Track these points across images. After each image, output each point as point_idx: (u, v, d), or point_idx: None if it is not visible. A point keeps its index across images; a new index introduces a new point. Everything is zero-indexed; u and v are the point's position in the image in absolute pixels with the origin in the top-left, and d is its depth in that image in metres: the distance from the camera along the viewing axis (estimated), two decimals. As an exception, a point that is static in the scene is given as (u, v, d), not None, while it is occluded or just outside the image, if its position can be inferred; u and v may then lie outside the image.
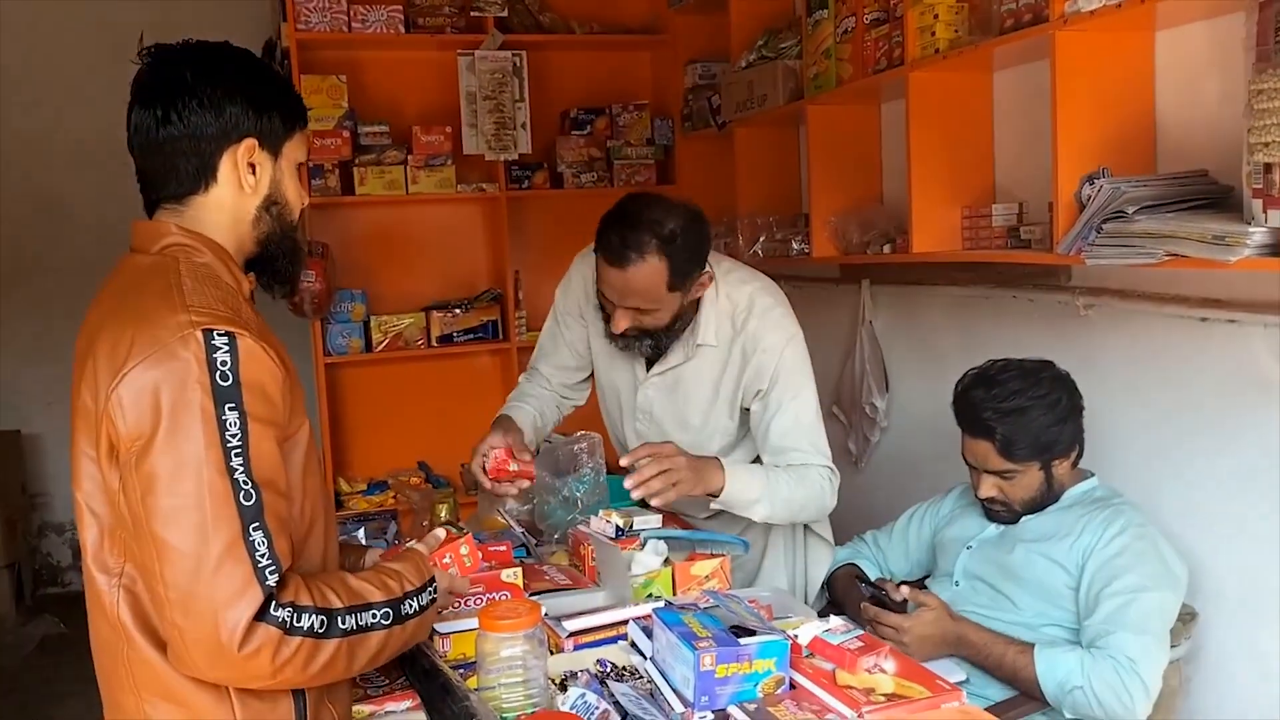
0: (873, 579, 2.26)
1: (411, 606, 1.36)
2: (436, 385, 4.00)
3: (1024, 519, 2.10)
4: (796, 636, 1.43)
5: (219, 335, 1.20)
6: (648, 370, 2.21)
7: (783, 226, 3.40)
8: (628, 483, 1.90)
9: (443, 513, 2.34)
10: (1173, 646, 1.99)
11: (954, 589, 2.14)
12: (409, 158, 3.76)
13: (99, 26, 4.61)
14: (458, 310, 3.90)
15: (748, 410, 2.18)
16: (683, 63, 3.97)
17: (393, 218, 3.99)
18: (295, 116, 1.40)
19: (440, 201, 3.94)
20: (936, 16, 2.48)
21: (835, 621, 1.45)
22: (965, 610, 2.07)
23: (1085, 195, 2.08)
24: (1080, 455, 2.11)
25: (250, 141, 1.34)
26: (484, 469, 2.05)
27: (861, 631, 1.43)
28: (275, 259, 1.42)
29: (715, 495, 2.00)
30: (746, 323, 2.13)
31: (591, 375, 2.40)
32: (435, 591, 1.42)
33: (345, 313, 3.77)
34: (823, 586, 2.37)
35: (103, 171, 4.64)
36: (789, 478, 2.07)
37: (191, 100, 1.31)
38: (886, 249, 2.88)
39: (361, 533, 2.10)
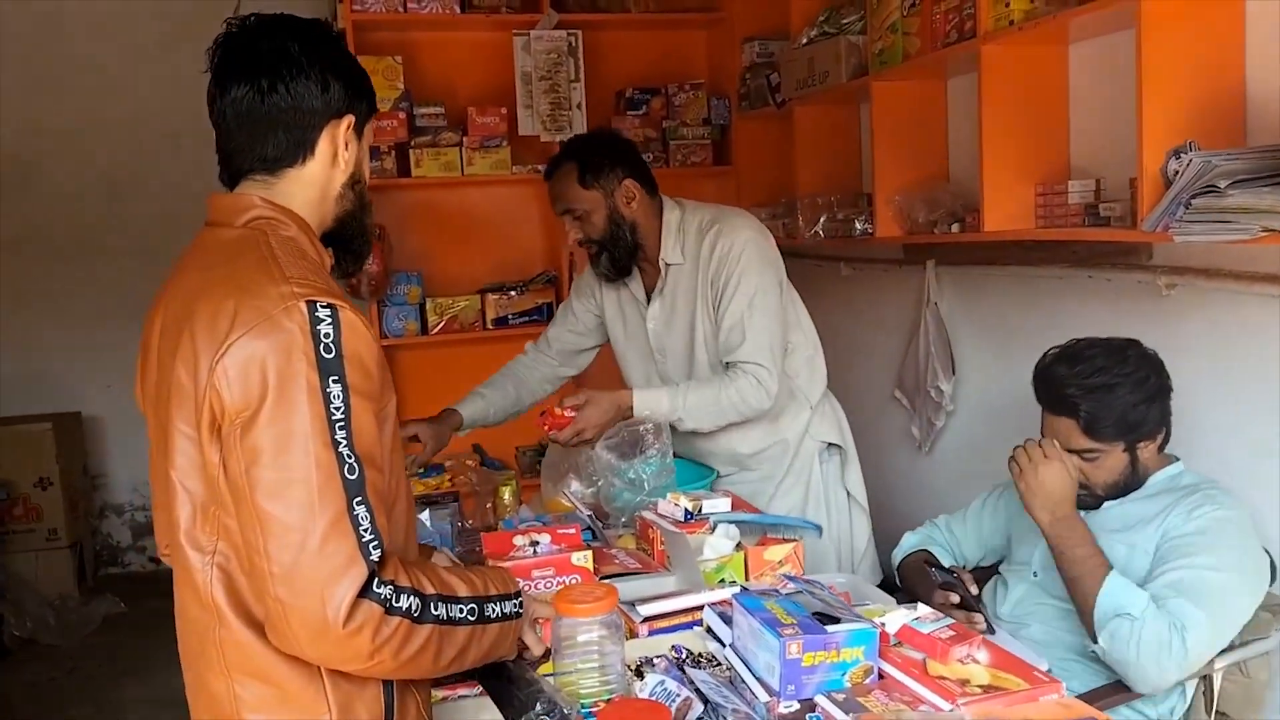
0: (946, 566, 2.19)
1: (495, 610, 1.35)
2: (492, 367, 3.91)
3: (1106, 505, 2.01)
4: (884, 624, 1.38)
5: (322, 307, 1.19)
6: (648, 305, 2.44)
7: (844, 206, 3.33)
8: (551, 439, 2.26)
9: (505, 495, 2.31)
10: (1261, 639, 1.92)
11: (1032, 580, 2.07)
12: (464, 139, 3.73)
13: (158, 14, 4.64)
14: (513, 293, 3.88)
15: None
16: (739, 41, 3.90)
17: (448, 200, 3.97)
18: (374, 98, 1.43)
19: (495, 183, 3.92)
20: (1012, -13, 2.40)
21: (924, 610, 1.40)
22: (1044, 603, 2.01)
23: (1172, 170, 2.00)
24: (1167, 439, 2.02)
25: (350, 118, 1.36)
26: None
27: (951, 621, 1.38)
28: (352, 237, 1.42)
29: (628, 416, 2.22)
30: (712, 229, 2.34)
31: (593, 350, 2.69)
32: (520, 604, 1.40)
33: (401, 295, 3.76)
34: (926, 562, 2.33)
35: (160, 155, 4.70)
36: (706, 390, 2.27)
37: (300, 74, 1.31)
38: (955, 228, 2.81)
39: (426, 514, 2.08)
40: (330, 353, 1.18)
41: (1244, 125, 2.10)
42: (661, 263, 2.38)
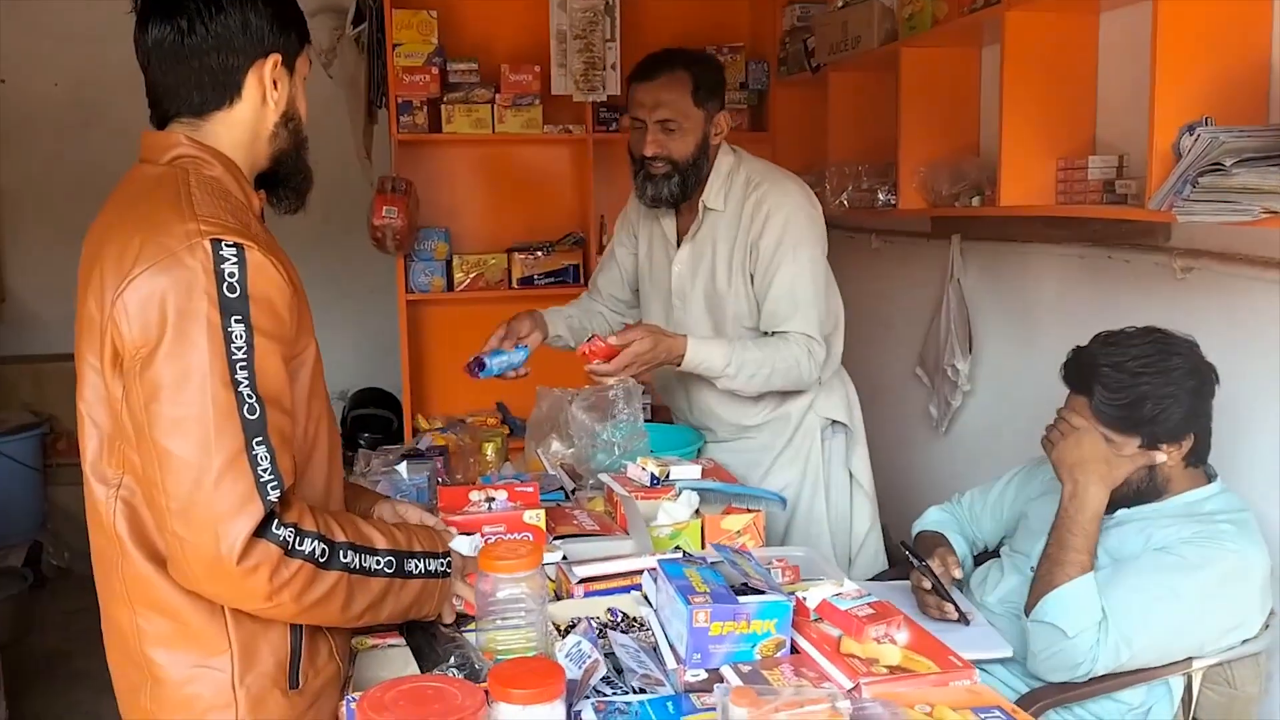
0: (955, 548, 2.12)
1: (417, 566, 1.35)
2: (517, 327, 3.98)
3: (1118, 513, 1.87)
4: (805, 598, 1.35)
5: (227, 246, 1.19)
6: (677, 248, 2.35)
7: (871, 176, 3.25)
8: (591, 373, 2.08)
9: (489, 452, 2.31)
10: (1249, 640, 1.83)
11: (1028, 574, 1.97)
12: (496, 96, 3.72)
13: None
14: (540, 253, 3.87)
15: None
16: (782, 4, 3.81)
17: (479, 157, 3.97)
18: (304, 31, 1.40)
19: (526, 142, 3.90)
20: (1038, -50, 2.30)
21: (849, 586, 1.36)
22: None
23: (1184, 146, 1.90)
24: (1199, 452, 1.85)
25: (276, 56, 1.34)
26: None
27: (876, 599, 1.34)
28: (289, 175, 1.42)
29: (677, 364, 2.12)
30: (759, 187, 2.25)
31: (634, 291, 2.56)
32: (448, 566, 1.40)
33: (428, 251, 3.78)
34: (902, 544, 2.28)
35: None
36: (759, 351, 2.17)
37: (219, 12, 1.29)
38: (976, 201, 2.72)
39: (404, 467, 2.09)
40: (234, 292, 1.18)
41: (1267, 103, 1.98)
42: (701, 205, 2.29)
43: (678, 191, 2.25)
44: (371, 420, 4.48)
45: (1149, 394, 1.79)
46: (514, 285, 3.86)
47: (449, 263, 3.81)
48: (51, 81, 4.86)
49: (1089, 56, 2.48)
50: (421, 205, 3.73)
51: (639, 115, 2.24)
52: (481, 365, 2.16)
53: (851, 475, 2.42)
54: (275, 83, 1.34)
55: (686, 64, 2.23)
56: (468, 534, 1.65)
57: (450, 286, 3.82)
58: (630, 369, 2.05)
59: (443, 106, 3.69)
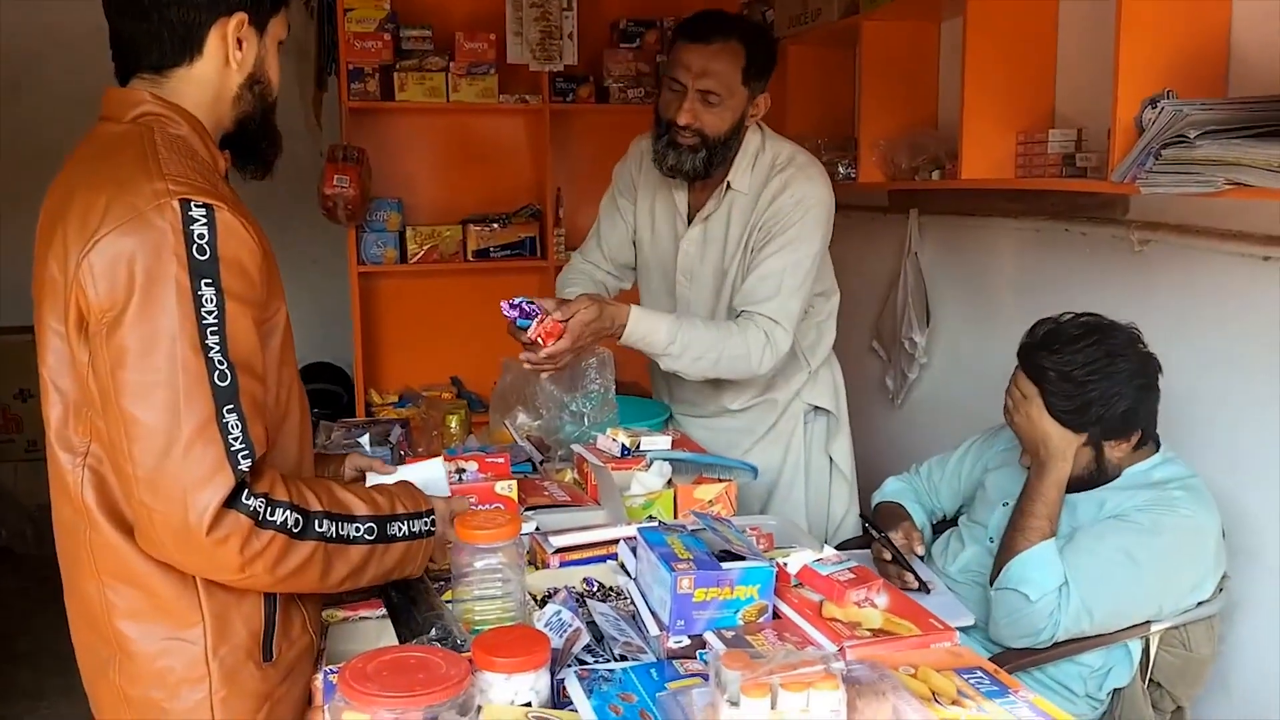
0: (915, 520, 2.13)
1: (400, 529, 1.33)
2: (471, 300, 3.93)
3: (1069, 496, 1.89)
4: (785, 564, 1.35)
5: (196, 206, 1.15)
6: (688, 226, 2.23)
7: (831, 149, 3.25)
8: (522, 363, 1.93)
9: (453, 424, 2.28)
10: (1204, 602, 1.88)
11: (987, 544, 2.00)
12: (451, 65, 3.66)
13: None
14: (495, 225, 3.83)
15: None
16: (740, -25, 3.80)
17: (432, 126, 3.90)
18: None
19: (481, 111, 3.84)
20: (1002, -76, 2.31)
21: (828, 552, 1.37)
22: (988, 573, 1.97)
23: (1146, 119, 1.92)
24: (1145, 441, 1.89)
25: (241, 16, 1.28)
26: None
27: (855, 564, 1.35)
28: (255, 140, 1.37)
29: (618, 336, 1.98)
30: (784, 171, 2.14)
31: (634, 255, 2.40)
32: (432, 523, 1.37)
33: (380, 221, 3.71)
34: (861, 516, 2.29)
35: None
36: (710, 334, 2.03)
37: None
38: (935, 175, 2.74)
39: (366, 439, 2.05)
40: (204, 254, 1.14)
41: (1226, 77, 2.02)
42: (725, 185, 2.16)
43: (701, 168, 2.11)
44: (321, 396, 4.40)
45: (1095, 399, 1.82)
46: (469, 258, 3.81)
47: (402, 234, 3.75)
48: (-18, 43, 4.68)
49: (1049, 31, 2.50)
50: (374, 175, 3.65)
51: (679, 78, 2.06)
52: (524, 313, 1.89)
53: (831, 460, 2.39)
54: (241, 42, 1.30)
55: (744, 36, 2.07)
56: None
57: (403, 258, 3.76)
58: (578, 342, 1.90)
59: (395, 74, 3.62)
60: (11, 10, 4.64)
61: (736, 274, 2.17)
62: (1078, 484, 1.90)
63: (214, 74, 1.29)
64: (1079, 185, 2.17)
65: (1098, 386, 1.81)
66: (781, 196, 2.10)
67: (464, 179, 3.94)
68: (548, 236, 3.86)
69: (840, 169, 3.15)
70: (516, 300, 1.87)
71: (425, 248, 3.77)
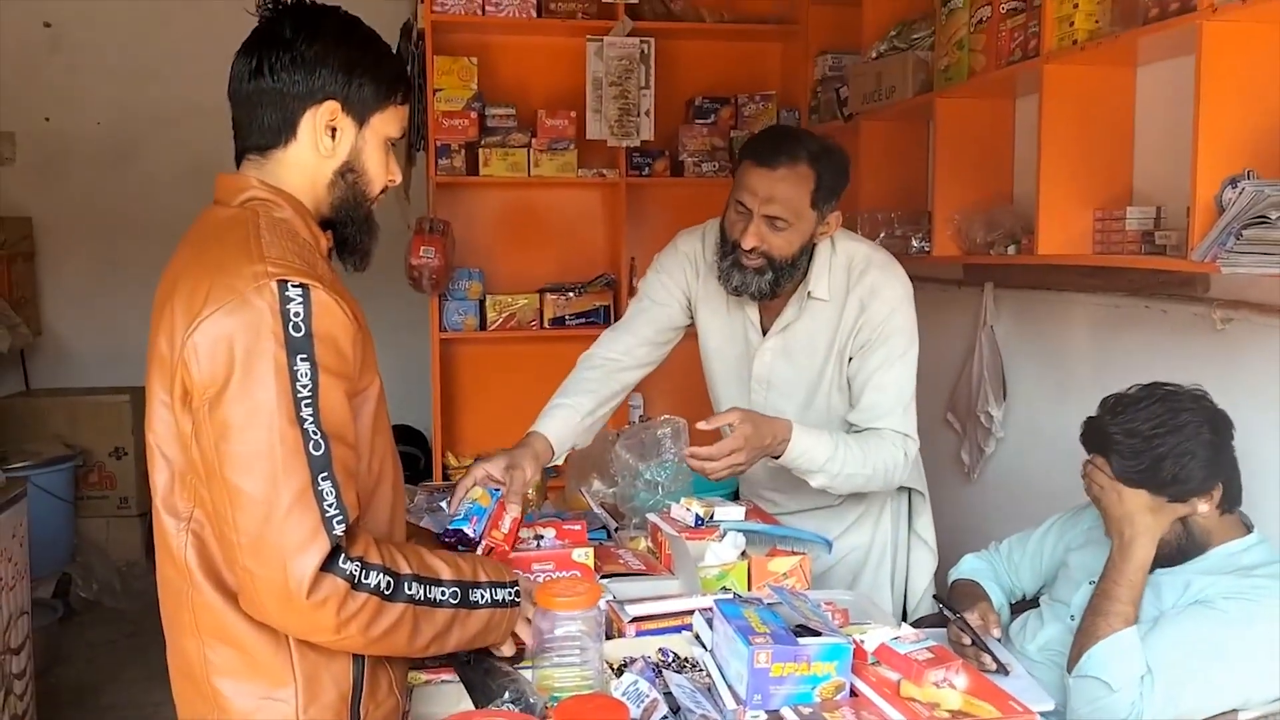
0: (993, 600, 2.10)
1: (483, 596, 1.37)
2: (547, 366, 3.94)
3: (1158, 573, 1.85)
4: (863, 641, 1.36)
5: (293, 286, 1.22)
6: (763, 336, 2.19)
7: (904, 223, 3.28)
8: (690, 460, 1.90)
9: (531, 490, 2.33)
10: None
11: (1068, 623, 1.96)
12: (533, 141, 3.79)
13: (254, 6, 4.81)
14: (571, 294, 3.92)
15: None
16: (813, 54, 3.87)
17: (514, 199, 4.04)
18: (390, 89, 1.39)
19: (561, 185, 3.96)
20: (1076, 6, 2.34)
21: (905, 630, 1.37)
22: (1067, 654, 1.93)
23: (1226, 199, 1.93)
24: (1230, 497, 1.84)
25: (332, 104, 1.35)
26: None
27: (934, 643, 1.35)
28: (346, 227, 1.42)
29: (778, 454, 1.95)
30: (865, 275, 2.10)
31: (678, 337, 2.33)
32: (516, 594, 1.41)
33: (462, 290, 3.83)
34: (936, 598, 2.26)
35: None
36: (861, 451, 2.01)
37: (285, 55, 1.32)
38: (1011, 250, 2.74)
39: (446, 502, 2.10)
40: (299, 331, 1.20)
41: (1308, 156, 2.01)
42: (804, 295, 2.12)
43: (768, 289, 2.06)
44: (400, 458, 4.50)
45: (1166, 454, 1.78)
46: (545, 325, 3.90)
47: (482, 302, 3.85)
48: (94, 120, 4.98)
49: (1126, 109, 2.51)
50: (457, 246, 3.78)
51: (745, 201, 2.02)
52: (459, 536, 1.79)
53: (916, 533, 2.36)
54: (334, 131, 1.36)
55: (812, 158, 2.00)
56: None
57: (483, 326, 3.86)
58: (737, 455, 1.88)
59: (480, 150, 3.76)
60: (122, 86, 4.94)
61: (831, 384, 2.15)
62: (1166, 557, 1.85)
63: (307, 158, 1.36)
64: (1158, 263, 2.17)
65: (1165, 441, 1.78)
66: (873, 305, 2.08)
67: (542, 250, 4.05)
68: (621, 304, 3.93)
69: (914, 242, 3.17)
70: (457, 520, 1.78)
71: (504, 315, 3.87)
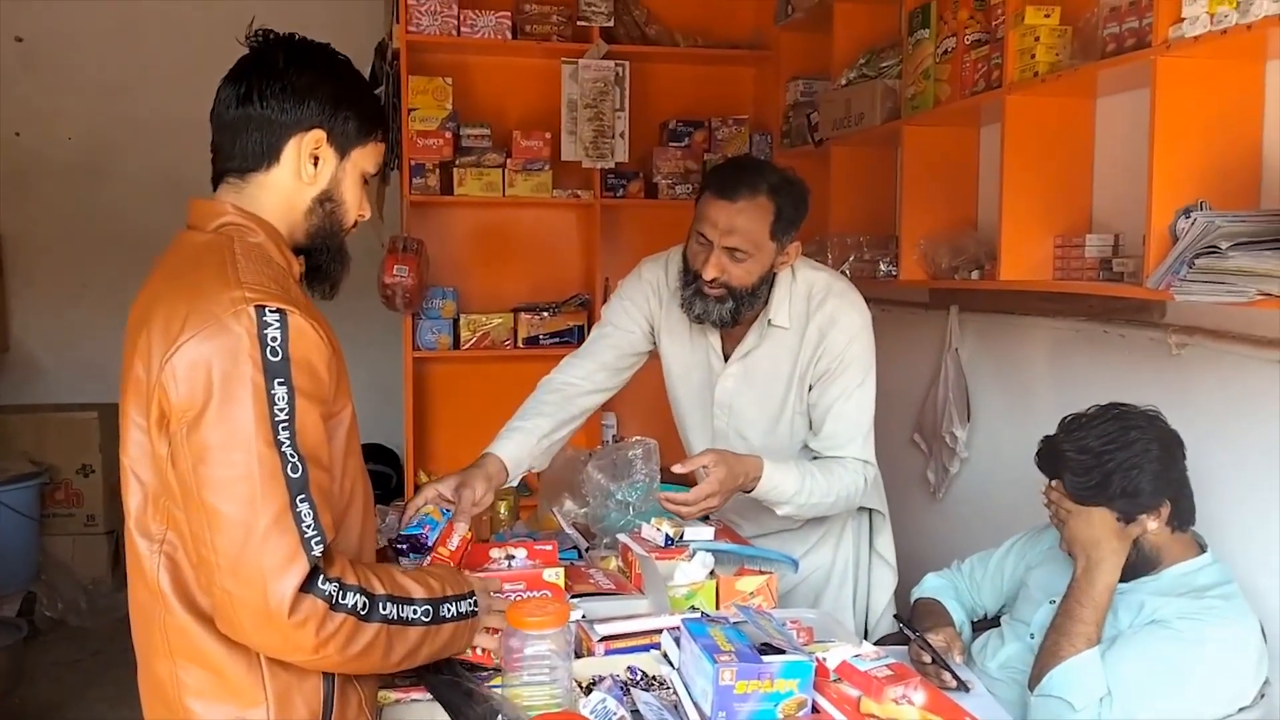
0: (955, 618, 2.15)
1: (450, 610, 1.40)
2: (520, 385, 3.91)
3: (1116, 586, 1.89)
4: (825, 659, 1.39)
5: (270, 312, 1.24)
6: (725, 362, 2.24)
7: (873, 247, 3.34)
8: (665, 504, 1.97)
9: (501, 510, 2.36)
10: (1245, 709, 1.87)
11: (1028, 641, 2.00)
12: (508, 161, 3.82)
13: (227, 21, 4.79)
14: (545, 313, 3.94)
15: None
16: (785, 79, 3.93)
17: (488, 219, 4.06)
18: (371, 126, 1.44)
19: (535, 205, 3.99)
20: (1038, 39, 2.41)
21: (866, 647, 1.40)
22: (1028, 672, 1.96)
23: (1180, 228, 1.99)
24: (1179, 515, 1.89)
25: (318, 133, 1.39)
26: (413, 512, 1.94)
27: (894, 660, 1.38)
28: (320, 255, 1.45)
29: (749, 489, 2.03)
30: (824, 303, 2.17)
31: (639, 362, 2.38)
32: (475, 604, 1.44)
33: (436, 309, 3.84)
34: (896, 617, 2.30)
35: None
36: (825, 480, 2.09)
37: (275, 83, 1.36)
38: (975, 275, 2.80)
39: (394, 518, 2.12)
40: (276, 355, 1.23)
41: (1259, 188, 2.08)
42: (765, 323, 2.18)
43: (729, 317, 2.13)
44: (372, 477, 4.49)
45: (1114, 469, 1.84)
46: (519, 345, 3.92)
47: (456, 321, 3.87)
48: (65, 135, 4.95)
49: (1086, 139, 2.58)
50: (431, 265, 3.80)
51: (705, 233, 2.07)
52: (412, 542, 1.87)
53: (876, 551, 2.42)
54: (317, 160, 1.39)
55: (772, 190, 2.06)
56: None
57: (457, 345, 3.87)
58: (711, 500, 1.96)
59: (455, 169, 3.78)
60: (94, 101, 4.92)
61: (793, 410, 2.21)
62: (1124, 574, 1.89)
63: (288, 183, 1.40)
64: (1115, 290, 2.23)
65: (1114, 457, 1.84)
66: (831, 333, 2.14)
67: (516, 269, 4.08)
68: (606, 308, 3.95)
69: (882, 266, 3.23)
70: (410, 528, 1.86)
71: (478, 334, 3.89)
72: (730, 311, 2.12)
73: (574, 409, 2.27)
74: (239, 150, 1.38)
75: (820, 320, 2.15)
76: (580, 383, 2.29)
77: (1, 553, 4.00)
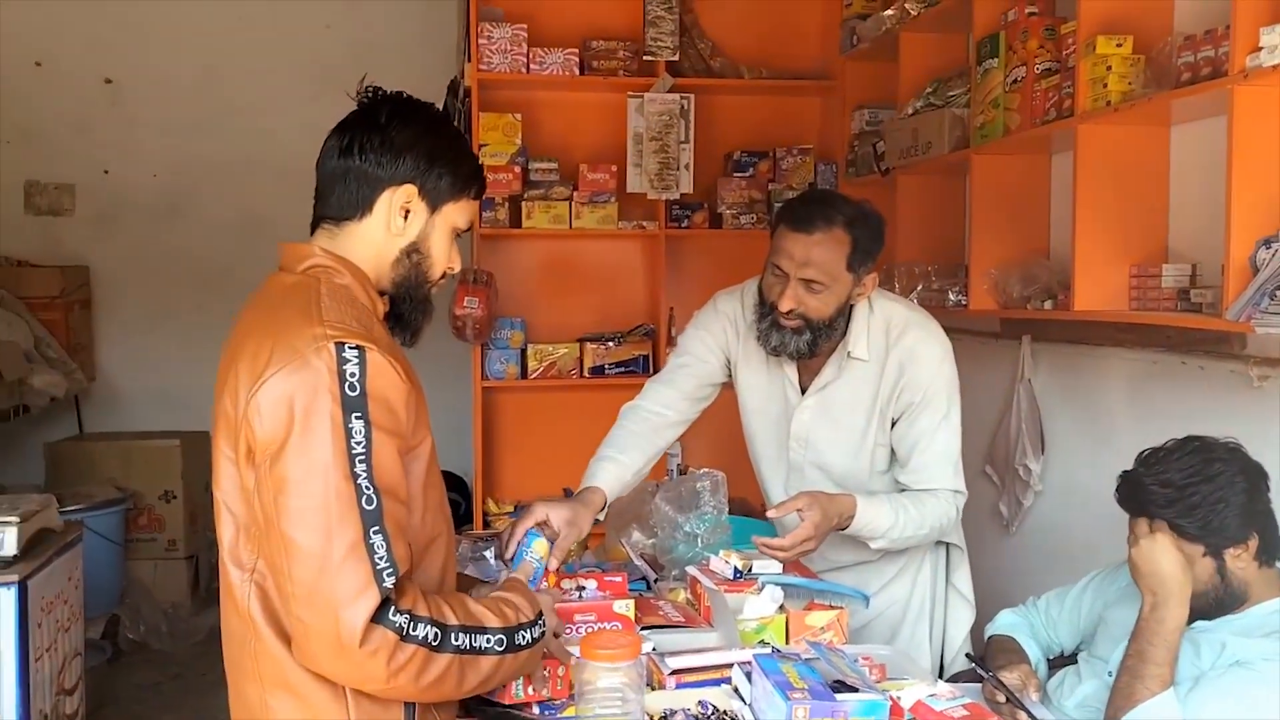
0: (1030, 656, 2.11)
1: (525, 638, 1.41)
2: (586, 415, 4.03)
3: (1198, 624, 1.85)
4: (899, 698, 1.38)
5: (349, 348, 1.28)
6: (801, 395, 2.24)
7: (941, 276, 3.32)
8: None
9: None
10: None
11: (1106, 679, 1.97)
12: (574, 194, 3.88)
13: (305, 64, 4.99)
14: (611, 343, 3.98)
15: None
16: (851, 108, 3.94)
17: (555, 251, 4.13)
18: (465, 184, 1.48)
19: (602, 237, 4.05)
20: (1110, 68, 2.39)
21: (941, 686, 1.39)
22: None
23: (1260, 259, 1.95)
24: (1267, 549, 1.83)
25: (410, 188, 1.44)
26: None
27: (970, 700, 1.37)
28: (403, 304, 1.49)
29: (844, 527, 2.03)
30: (903, 336, 2.16)
31: (715, 393, 2.37)
32: (544, 625, 1.46)
33: (505, 340, 3.91)
34: (969, 656, 2.26)
35: (296, 196, 4.98)
36: (918, 513, 2.10)
37: (376, 138, 1.42)
38: (1048, 305, 2.77)
39: (490, 552, 2.15)
40: (355, 390, 1.27)
41: (1342, 216, 2.03)
42: (844, 354, 2.18)
43: (806, 350, 2.12)
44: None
45: (1199, 503, 1.79)
46: (585, 374, 3.96)
47: (523, 351, 3.93)
48: (150, 172, 5.14)
49: (1160, 167, 2.55)
50: (499, 296, 3.86)
51: (781, 265, 2.08)
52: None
53: (954, 586, 2.39)
54: (407, 213, 1.44)
55: (848, 223, 2.06)
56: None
57: (524, 374, 3.93)
58: (808, 543, 1.96)
59: (523, 203, 3.86)
60: (177, 141, 5.11)
61: (875, 443, 2.20)
62: (1203, 609, 1.85)
63: (377, 234, 1.45)
64: (1194, 321, 2.19)
65: (1199, 490, 1.79)
66: (913, 367, 2.14)
67: (582, 300, 4.13)
68: (660, 354, 3.98)
69: (951, 295, 3.20)
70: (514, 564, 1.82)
71: (545, 364, 3.94)
72: (807, 344, 2.11)
73: (660, 441, 2.28)
74: (336, 199, 1.44)
75: (900, 353, 2.15)
76: (665, 412, 2.29)
77: (88, 577, 4.12)
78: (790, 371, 2.25)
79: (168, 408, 4.95)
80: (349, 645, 1.23)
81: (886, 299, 2.24)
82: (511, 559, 1.84)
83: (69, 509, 3.76)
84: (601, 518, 2.14)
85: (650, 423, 2.28)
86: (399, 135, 1.42)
